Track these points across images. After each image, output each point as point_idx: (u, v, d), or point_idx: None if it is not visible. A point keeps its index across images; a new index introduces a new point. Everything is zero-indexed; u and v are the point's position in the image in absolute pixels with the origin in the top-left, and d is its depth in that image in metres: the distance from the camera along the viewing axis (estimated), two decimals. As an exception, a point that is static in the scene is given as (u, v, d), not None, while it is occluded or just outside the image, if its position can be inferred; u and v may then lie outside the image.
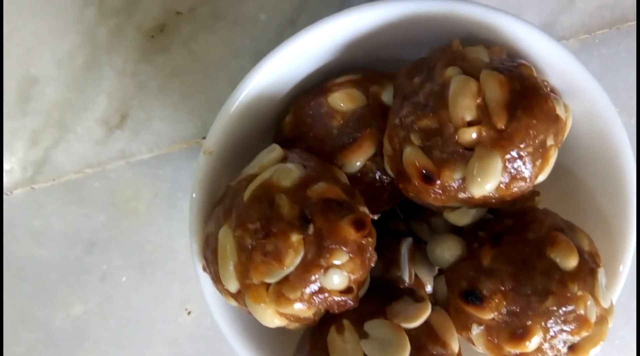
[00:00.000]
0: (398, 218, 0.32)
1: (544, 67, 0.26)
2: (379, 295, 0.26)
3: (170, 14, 0.35)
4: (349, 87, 0.28)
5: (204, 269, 0.26)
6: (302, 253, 0.22)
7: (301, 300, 0.23)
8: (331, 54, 0.28)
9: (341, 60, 0.29)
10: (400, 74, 0.26)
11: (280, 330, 0.28)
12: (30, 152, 0.37)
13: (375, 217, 0.25)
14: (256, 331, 0.29)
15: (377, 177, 0.28)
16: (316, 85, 0.29)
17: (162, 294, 0.40)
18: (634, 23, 0.36)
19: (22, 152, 0.37)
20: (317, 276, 0.23)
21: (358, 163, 0.27)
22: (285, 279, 0.23)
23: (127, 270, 0.39)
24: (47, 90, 0.36)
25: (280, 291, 0.23)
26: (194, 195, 0.26)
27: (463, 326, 0.26)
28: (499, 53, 0.24)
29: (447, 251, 0.26)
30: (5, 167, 0.37)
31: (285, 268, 0.22)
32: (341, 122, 0.28)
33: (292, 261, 0.22)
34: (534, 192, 0.28)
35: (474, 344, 0.26)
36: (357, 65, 0.29)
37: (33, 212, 0.38)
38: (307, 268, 0.22)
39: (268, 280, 0.23)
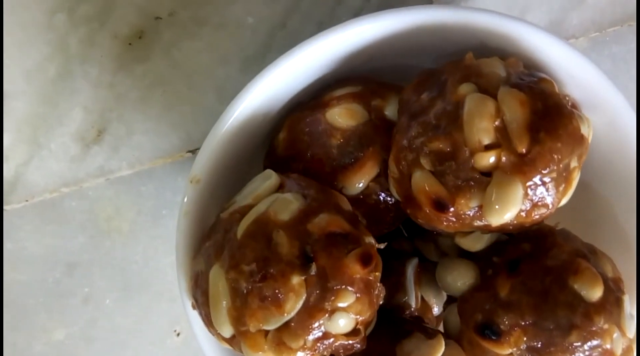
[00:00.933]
0: (402, 237, 0.30)
1: (563, 78, 0.23)
2: (387, 332, 0.24)
3: (149, 19, 0.32)
4: (349, 101, 0.26)
5: (194, 307, 0.24)
6: (304, 297, 0.20)
7: (304, 348, 0.20)
8: (329, 65, 0.25)
9: (340, 71, 0.26)
10: (406, 89, 0.24)
11: None
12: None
13: (382, 246, 0.23)
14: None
15: (382, 199, 0.26)
16: (313, 98, 0.27)
17: (149, 315, 0.37)
18: (646, 19, 0.33)
19: (-9, 170, 0.34)
20: (321, 321, 0.20)
21: (360, 185, 0.25)
22: (286, 326, 0.20)
23: (111, 291, 0.37)
24: (17, 104, 0.33)
25: (280, 340, 0.20)
26: (179, 229, 0.23)
27: (477, 361, 0.24)
28: (516, 65, 0.22)
29: (460, 279, 0.24)
30: (-26, 187, 0.34)
31: (285, 314, 0.20)
32: (341, 140, 0.25)
33: (294, 306, 0.20)
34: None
35: (488, 377, 0.24)
36: (357, 74, 0.27)
37: (6, 234, 0.35)
38: (310, 313, 0.20)
39: (266, 327, 0.20)
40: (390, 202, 0.26)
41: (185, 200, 0.23)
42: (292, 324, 0.20)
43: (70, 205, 0.35)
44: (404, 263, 0.29)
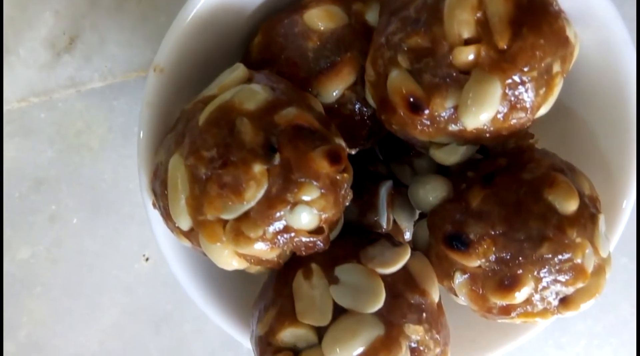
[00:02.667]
0: (377, 160, 0.29)
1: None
2: (352, 239, 0.23)
3: None
4: (328, 3, 0.24)
5: (154, 205, 0.23)
6: (265, 186, 0.19)
7: (263, 239, 0.20)
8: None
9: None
10: (388, -13, 0.22)
11: (242, 276, 0.26)
12: (-35, 75, 0.33)
13: (353, 152, 0.22)
14: (216, 277, 0.26)
15: (357, 109, 0.25)
16: (291, 2, 0.25)
17: (117, 238, 0.37)
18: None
19: (-44, 74, 0.33)
20: (282, 213, 0.19)
21: (336, 93, 0.24)
22: (245, 215, 0.19)
23: (78, 211, 0.36)
24: (-16, 3, 0.31)
25: (239, 229, 0.19)
26: (142, 120, 0.22)
27: (445, 275, 0.23)
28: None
29: (431, 192, 0.24)
30: (-62, 91, 0.33)
31: (245, 202, 0.19)
32: (318, 43, 0.24)
33: (254, 195, 0.19)
34: (528, 134, 0.25)
35: (455, 294, 0.24)
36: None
37: (-29, 143, 0.34)
38: (270, 203, 0.19)
39: (225, 216, 0.20)
40: (366, 114, 0.25)
41: (147, 89, 0.22)
42: (252, 214, 0.19)
43: (39, 116, 0.34)
44: (377, 185, 0.28)
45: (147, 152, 0.23)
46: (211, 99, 0.21)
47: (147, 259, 0.37)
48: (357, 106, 0.25)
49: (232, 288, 0.26)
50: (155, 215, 0.24)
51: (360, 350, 0.20)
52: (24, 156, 0.34)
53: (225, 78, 0.21)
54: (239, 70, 0.21)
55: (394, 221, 0.28)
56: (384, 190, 0.28)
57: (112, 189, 0.35)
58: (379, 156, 0.29)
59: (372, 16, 0.24)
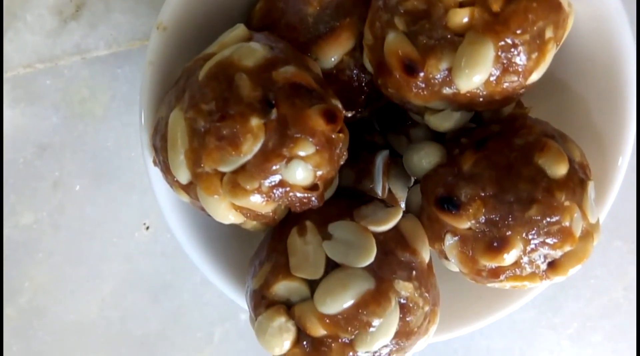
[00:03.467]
0: (375, 130, 0.30)
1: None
2: (347, 199, 0.23)
3: None
4: (330, -30, 0.25)
5: (155, 163, 0.23)
6: (262, 140, 0.20)
7: (259, 192, 0.20)
8: None
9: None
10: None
11: (239, 238, 0.26)
12: (-27, 40, 0.33)
13: (349, 114, 0.23)
14: (215, 238, 0.27)
15: (355, 76, 0.25)
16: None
17: (118, 206, 0.37)
18: None
19: (-36, 39, 0.33)
20: (278, 166, 0.20)
21: (334, 58, 0.25)
22: (242, 168, 0.20)
23: (81, 178, 0.36)
24: (-7, -32, 0.32)
25: (235, 181, 0.20)
26: (145, 78, 0.23)
27: (436, 237, 0.23)
28: None
29: (425, 158, 0.24)
30: (-54, 55, 0.33)
31: (242, 155, 0.20)
32: (318, 8, 0.25)
33: (251, 148, 0.20)
34: (521, 103, 0.25)
35: (446, 258, 0.24)
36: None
37: (-23, 108, 0.35)
38: (267, 156, 0.20)
39: (222, 169, 0.20)
40: (364, 81, 0.25)
41: (150, 47, 0.22)
42: (248, 167, 0.20)
43: (45, 83, 0.34)
44: (374, 153, 0.28)
45: (148, 109, 0.23)
46: (211, 56, 0.21)
47: (147, 228, 0.38)
48: (355, 72, 0.25)
49: (229, 249, 0.26)
50: (156, 173, 0.24)
51: (351, 302, 0.21)
52: (28, 122, 0.35)
53: (225, 36, 0.22)
54: (239, 29, 0.22)
55: (389, 190, 0.28)
56: (380, 159, 0.28)
57: (114, 157, 0.36)
58: (377, 127, 0.30)
59: (377, -7, 0.25)
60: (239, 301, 0.27)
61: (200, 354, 0.41)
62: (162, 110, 0.22)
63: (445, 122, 0.24)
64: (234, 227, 0.26)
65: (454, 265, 0.25)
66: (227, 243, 0.26)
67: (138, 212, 0.37)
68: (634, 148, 0.26)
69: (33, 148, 0.36)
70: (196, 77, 0.21)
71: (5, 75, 0.34)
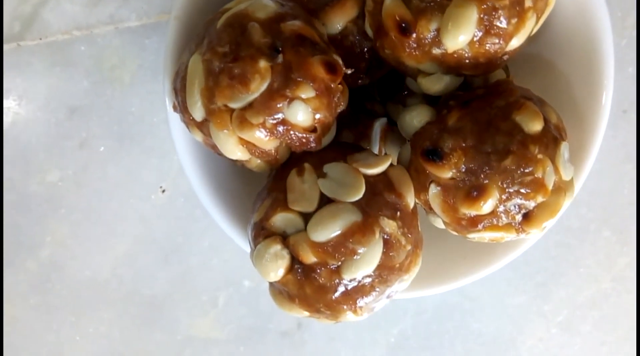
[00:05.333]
0: (375, 100, 0.32)
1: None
2: (342, 147, 0.26)
3: None
4: (339, -54, 0.28)
5: (174, 108, 0.26)
6: (268, 80, 0.23)
7: (264, 127, 0.23)
8: None
9: None
10: None
11: (246, 182, 0.29)
12: (19, 8, 0.37)
13: (349, 71, 0.25)
14: (223, 183, 0.29)
15: (357, 42, 0.28)
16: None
17: (138, 169, 0.40)
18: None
19: (10, 6, 0.37)
20: (281, 105, 0.23)
21: (339, 25, 0.27)
22: (250, 105, 0.23)
23: (106, 139, 0.39)
24: (41, -57, 0.36)
25: (243, 116, 0.23)
26: (170, 31, 0.26)
27: (421, 187, 0.26)
28: None
29: (416, 117, 0.27)
30: (-6, 20, 0.37)
31: (250, 93, 0.23)
32: (327, -20, 0.27)
33: (258, 87, 0.22)
34: (507, 74, 0.28)
35: (430, 208, 0.26)
36: None
37: (19, 70, 0.38)
38: (272, 95, 0.23)
39: (232, 105, 0.23)
40: (366, 47, 0.28)
41: (176, 4, 0.25)
42: (255, 104, 0.23)
43: (80, 49, 0.38)
44: (373, 120, 0.31)
45: (171, 60, 0.26)
46: (228, 10, 0.24)
47: (163, 191, 0.41)
48: (357, 38, 0.28)
49: (236, 195, 0.29)
50: (175, 118, 0.27)
51: (339, 231, 0.23)
52: (62, 85, 0.38)
53: (242, -4, 0.25)
54: (256, -11, 0.25)
55: (385, 154, 0.31)
56: (378, 125, 0.31)
57: (138, 122, 0.39)
58: (377, 97, 0.32)
59: (379, -36, 0.27)
60: (239, 241, 0.30)
61: (205, 317, 0.44)
62: (183, 56, 0.25)
63: (435, 84, 0.26)
64: (241, 174, 0.29)
65: (439, 220, 0.27)
66: (234, 189, 0.29)
67: (156, 176, 0.40)
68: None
69: (64, 109, 0.39)
70: (214, 26, 0.24)
71: (45, 40, 0.37)
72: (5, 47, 0.38)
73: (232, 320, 0.44)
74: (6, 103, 0.39)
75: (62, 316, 0.44)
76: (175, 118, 0.27)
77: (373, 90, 0.32)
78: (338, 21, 0.27)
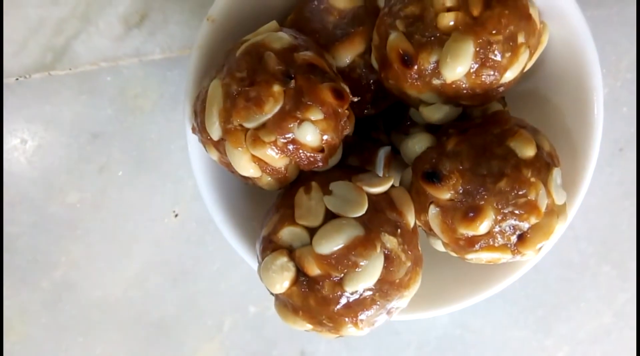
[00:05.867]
0: (380, 130, 0.34)
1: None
2: (348, 168, 0.28)
3: None
4: (349, -11, 0.30)
5: (193, 130, 0.28)
6: (281, 103, 0.25)
7: (275, 145, 0.25)
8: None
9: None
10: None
11: (256, 202, 0.31)
12: (52, 40, 0.40)
13: (355, 99, 0.27)
14: (235, 202, 0.31)
15: (364, 75, 0.30)
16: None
17: (153, 193, 0.42)
18: (629, -11, 0.38)
19: (45, 38, 0.40)
20: (292, 125, 0.25)
21: (348, 59, 0.30)
22: (263, 125, 0.25)
23: (124, 164, 0.42)
24: (77, -18, 0.39)
25: (256, 135, 0.25)
26: (192, 59, 0.28)
27: (422, 208, 0.27)
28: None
29: (418, 143, 0.28)
30: (27, 51, 0.40)
31: (264, 114, 0.25)
32: (337, 18, 0.30)
33: (271, 108, 0.25)
34: (504, 105, 0.30)
35: (430, 229, 0.28)
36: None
37: (47, 97, 0.41)
38: (283, 117, 0.25)
39: (247, 125, 0.25)
40: (371, 80, 0.30)
41: (200, 34, 0.28)
42: (268, 124, 0.25)
43: (105, 79, 0.40)
44: (378, 147, 0.33)
45: (193, 85, 0.29)
46: (247, 40, 0.26)
47: (176, 215, 0.42)
48: (364, 72, 0.30)
49: (246, 214, 0.31)
50: (193, 140, 0.29)
51: (342, 244, 0.24)
52: (86, 111, 0.41)
53: (260, 29, 0.27)
54: (272, 23, 0.27)
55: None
56: (383, 152, 0.33)
57: (155, 148, 0.41)
58: (382, 128, 0.34)
59: (382, 1, 0.30)
60: (248, 259, 0.31)
61: (210, 342, 0.45)
62: (204, 82, 0.27)
63: (436, 113, 0.28)
64: (252, 195, 0.31)
65: (439, 243, 0.29)
66: (245, 208, 0.31)
67: (170, 200, 0.42)
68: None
69: (87, 134, 0.41)
70: (234, 54, 0.26)
71: (74, 70, 0.40)
72: (37, 75, 0.40)
73: (236, 346, 0.44)
74: (34, 127, 0.41)
75: (71, 337, 0.45)
76: (193, 139, 0.29)
77: (378, 120, 0.34)
78: (346, 55, 0.30)
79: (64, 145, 0.41)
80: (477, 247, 0.27)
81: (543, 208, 0.26)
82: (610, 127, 0.40)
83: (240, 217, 0.31)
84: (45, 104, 0.41)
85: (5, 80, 0.40)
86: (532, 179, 0.25)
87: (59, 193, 0.42)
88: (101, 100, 0.41)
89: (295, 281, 0.25)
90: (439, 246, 0.29)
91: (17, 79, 0.40)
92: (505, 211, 0.26)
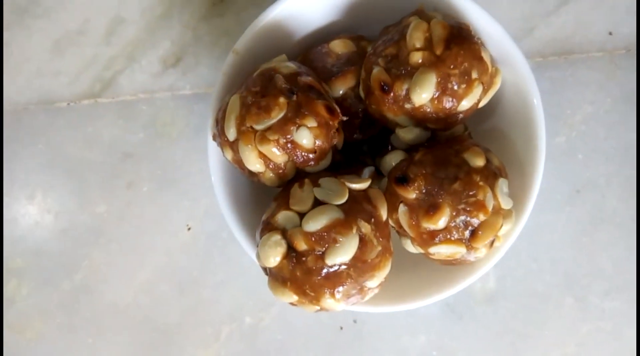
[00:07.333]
0: (366, 154, 0.41)
1: (485, 39, 0.36)
2: (336, 171, 0.34)
3: (231, -9, 0.47)
4: (346, 39, 0.39)
5: (214, 137, 0.35)
6: (284, 111, 0.32)
7: (277, 143, 0.32)
8: (334, 14, 0.38)
9: (344, 24, 0.39)
10: (383, 28, 0.36)
11: (258, 203, 0.37)
12: (102, 73, 0.48)
13: (345, 118, 0.35)
14: (242, 200, 0.37)
15: (354, 104, 0.37)
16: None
17: (171, 208, 0.48)
18: (580, 55, 0.46)
19: (96, 72, 0.48)
20: (292, 129, 0.32)
21: (341, 91, 0.37)
22: (269, 128, 0.32)
23: (149, 182, 0.48)
24: (129, 29, 0.48)
25: (264, 135, 0.32)
26: (218, 84, 0.36)
27: (393, 208, 0.33)
28: (450, 17, 0.35)
29: (393, 158, 0.35)
30: (79, 82, 0.48)
31: (271, 118, 0.32)
32: (335, 59, 0.38)
33: (277, 115, 0.32)
34: (465, 126, 0.37)
35: (400, 227, 0.34)
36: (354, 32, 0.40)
37: (91, 120, 0.48)
38: (286, 122, 0.32)
39: (257, 127, 0.32)
40: (360, 108, 0.38)
41: (226, 63, 0.36)
42: (273, 127, 0.32)
43: (141, 108, 0.48)
44: (364, 167, 0.39)
45: (216, 102, 0.36)
46: (261, 66, 0.34)
47: (189, 229, 0.48)
48: (354, 101, 0.37)
49: (250, 209, 0.37)
50: (213, 147, 0.36)
51: (325, 223, 0.30)
52: (121, 134, 0.48)
53: (272, 59, 0.35)
54: (282, 56, 0.35)
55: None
56: (367, 171, 0.39)
57: (178, 169, 0.48)
58: (368, 152, 0.41)
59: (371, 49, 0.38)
60: (251, 252, 0.37)
61: (207, 349, 0.49)
62: (226, 98, 0.35)
63: (409, 134, 0.35)
64: (257, 195, 0.37)
65: (409, 242, 0.35)
66: (249, 204, 0.37)
67: (185, 216, 0.48)
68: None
69: (119, 154, 0.48)
70: (251, 75, 0.34)
71: (116, 99, 0.48)
72: (85, 101, 0.48)
73: (230, 355, 0.49)
74: (76, 145, 0.48)
75: (81, 338, 0.49)
76: (212, 146, 0.36)
77: (365, 146, 0.41)
78: (340, 88, 0.37)
79: (99, 162, 0.48)
80: (437, 239, 0.32)
81: (490, 208, 0.32)
82: (568, 171, 0.47)
83: (245, 212, 0.37)
84: (88, 126, 0.48)
85: (58, 104, 0.48)
86: (481, 183, 0.32)
87: (89, 204, 0.49)
88: (135, 125, 0.48)
89: (286, 256, 0.31)
90: (409, 246, 0.35)
91: (68, 104, 0.48)
92: (459, 207, 0.32)
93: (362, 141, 0.40)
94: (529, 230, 0.47)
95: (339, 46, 0.38)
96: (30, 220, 0.49)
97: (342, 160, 0.38)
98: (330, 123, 0.33)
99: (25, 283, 0.49)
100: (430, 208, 0.32)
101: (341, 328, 0.48)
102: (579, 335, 0.47)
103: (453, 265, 0.35)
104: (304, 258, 0.31)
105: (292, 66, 0.34)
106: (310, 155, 0.32)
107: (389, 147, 0.39)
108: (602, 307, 0.47)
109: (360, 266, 0.31)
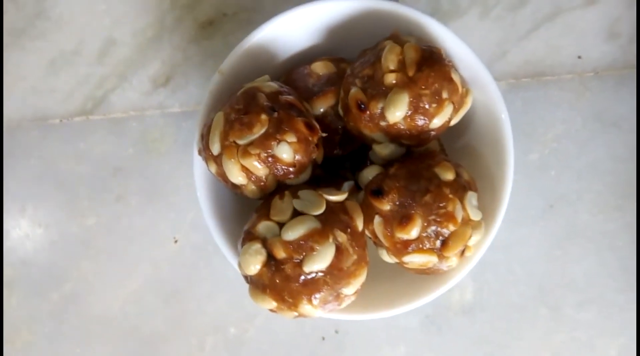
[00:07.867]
0: (347, 169, 0.43)
1: (457, 62, 0.38)
2: (315, 184, 0.36)
3: (219, 14, 0.50)
4: (327, 60, 0.41)
5: (199, 152, 0.37)
6: (266, 127, 0.34)
7: (259, 157, 0.33)
8: (315, 37, 0.41)
9: (325, 47, 0.42)
10: (361, 51, 0.39)
11: (241, 215, 0.39)
12: (94, 92, 0.50)
13: (324, 135, 0.37)
14: (227, 216, 0.39)
15: (333, 121, 0.40)
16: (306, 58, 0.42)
17: (158, 221, 0.50)
18: (552, 77, 0.48)
19: (89, 90, 0.50)
20: (272, 144, 0.34)
21: (322, 109, 0.39)
22: (251, 143, 0.34)
23: (138, 195, 0.50)
24: (121, 50, 0.50)
25: (246, 149, 0.34)
26: (204, 102, 0.38)
27: (369, 219, 0.35)
28: (422, 41, 0.37)
29: (370, 172, 0.37)
30: (72, 99, 0.50)
31: (253, 134, 0.34)
32: (316, 79, 0.40)
33: (259, 130, 0.34)
34: (436, 142, 0.39)
35: (376, 237, 0.36)
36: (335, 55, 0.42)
37: (83, 136, 0.50)
38: (267, 137, 0.34)
39: (240, 142, 0.34)
40: (339, 125, 0.40)
41: (212, 82, 0.38)
42: (255, 142, 0.34)
43: (131, 125, 0.50)
44: (344, 181, 0.41)
45: (202, 119, 0.38)
46: (245, 85, 0.36)
47: (175, 241, 0.50)
48: (334, 118, 0.39)
49: (233, 221, 0.39)
50: (199, 161, 0.38)
51: (303, 232, 0.32)
52: (112, 150, 0.50)
53: (256, 79, 0.37)
54: (265, 76, 0.37)
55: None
56: (347, 185, 0.41)
57: (166, 183, 0.50)
58: (347, 167, 0.43)
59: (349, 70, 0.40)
60: (232, 261, 0.39)
61: (192, 360, 0.50)
62: (211, 115, 0.36)
63: (384, 150, 0.37)
64: (240, 208, 0.39)
65: (385, 252, 0.36)
66: (232, 216, 0.39)
67: (172, 228, 0.50)
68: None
69: (110, 169, 0.50)
70: (235, 94, 0.36)
71: (108, 116, 0.50)
72: (77, 118, 0.50)
73: (216, 365, 0.50)
74: (68, 160, 0.50)
75: (69, 347, 0.50)
76: (198, 160, 0.38)
77: (345, 162, 0.43)
78: (321, 106, 0.39)
79: (90, 176, 0.50)
80: (410, 249, 0.34)
81: (459, 219, 0.34)
82: (542, 187, 0.49)
83: (228, 224, 0.39)
84: (80, 142, 0.50)
85: (51, 121, 0.50)
86: (451, 195, 0.34)
87: (79, 215, 0.50)
88: (125, 141, 0.50)
89: (266, 264, 0.33)
90: (385, 255, 0.37)
91: (60, 120, 0.50)
92: (430, 218, 0.33)
93: (343, 157, 0.42)
94: (505, 244, 0.49)
95: (320, 67, 0.40)
96: (21, 232, 0.50)
97: (323, 175, 0.40)
98: (310, 138, 0.35)
99: (15, 294, 0.50)
100: (403, 219, 0.34)
101: (323, 338, 0.50)
102: (553, 345, 0.49)
103: (427, 274, 0.37)
104: (282, 266, 0.32)
105: (274, 85, 0.36)
106: (290, 169, 0.34)
107: (367, 162, 0.41)
108: (575, 318, 0.49)
109: (336, 273, 0.33)
